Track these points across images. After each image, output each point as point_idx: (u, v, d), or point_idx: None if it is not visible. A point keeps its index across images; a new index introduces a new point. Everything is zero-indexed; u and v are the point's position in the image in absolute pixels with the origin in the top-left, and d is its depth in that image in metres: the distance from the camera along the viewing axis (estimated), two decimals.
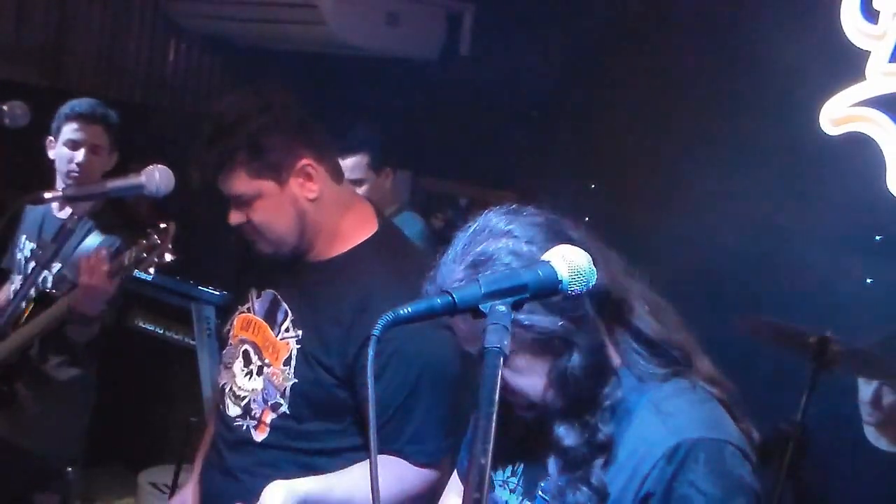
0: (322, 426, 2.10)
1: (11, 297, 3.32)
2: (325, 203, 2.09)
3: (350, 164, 4.06)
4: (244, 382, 2.17)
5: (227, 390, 2.22)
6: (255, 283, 2.24)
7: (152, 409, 4.81)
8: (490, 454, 1.19)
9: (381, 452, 2.03)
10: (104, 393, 4.33)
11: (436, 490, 2.06)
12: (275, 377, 2.11)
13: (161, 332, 4.64)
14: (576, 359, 1.52)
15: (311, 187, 2.06)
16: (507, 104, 4.22)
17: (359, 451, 2.10)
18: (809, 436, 2.78)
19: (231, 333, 2.26)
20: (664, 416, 1.52)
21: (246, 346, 2.19)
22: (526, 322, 1.48)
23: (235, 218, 2.08)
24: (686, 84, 3.67)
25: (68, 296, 2.97)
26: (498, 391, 1.22)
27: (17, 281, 3.39)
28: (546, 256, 1.37)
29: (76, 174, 3.27)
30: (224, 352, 2.27)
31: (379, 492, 1.26)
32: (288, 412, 2.10)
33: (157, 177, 1.99)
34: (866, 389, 2.86)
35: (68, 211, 3.25)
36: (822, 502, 2.94)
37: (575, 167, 4.03)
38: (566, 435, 1.55)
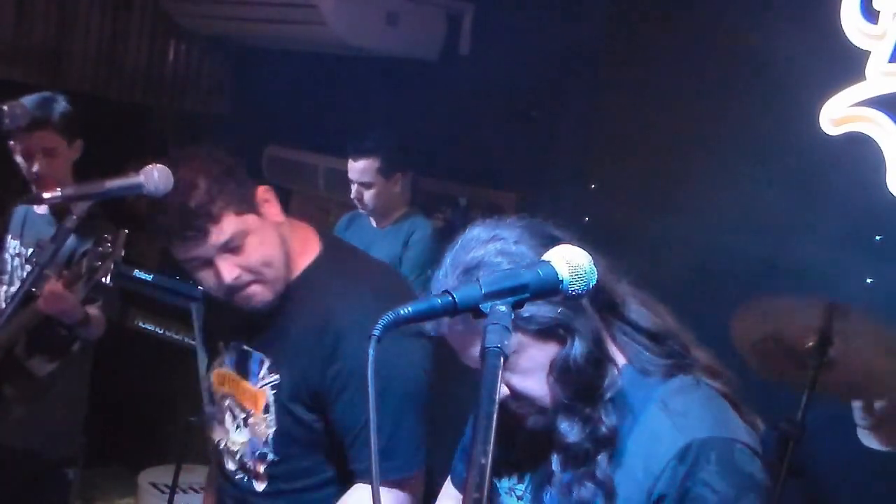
0: (314, 461, 2.09)
1: (5, 298, 3.33)
2: (284, 225, 2.08)
3: (360, 166, 4.06)
4: (236, 437, 2.17)
5: (221, 447, 2.21)
6: (222, 337, 2.22)
7: (152, 409, 4.82)
8: (490, 454, 1.19)
9: (352, 478, 2.03)
10: (105, 393, 4.33)
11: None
12: (257, 426, 2.10)
13: (161, 332, 4.65)
14: (577, 346, 1.53)
15: (276, 210, 2.05)
16: (507, 104, 4.22)
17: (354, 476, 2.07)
18: (809, 435, 2.78)
19: (213, 390, 2.26)
20: (674, 415, 1.53)
21: (228, 401, 2.19)
22: (526, 314, 1.49)
23: (230, 272, 1.98)
24: (686, 84, 3.66)
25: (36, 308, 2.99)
26: (498, 392, 1.22)
27: (6, 281, 3.40)
28: (546, 256, 1.37)
29: (39, 181, 3.25)
30: (213, 409, 2.26)
31: (379, 494, 1.26)
32: (276, 459, 2.09)
33: (155, 176, 1.98)
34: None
35: (47, 208, 3.24)
36: (822, 502, 2.94)
37: (575, 167, 4.03)
38: (569, 431, 1.55)
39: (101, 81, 5.08)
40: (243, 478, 2.16)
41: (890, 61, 2.83)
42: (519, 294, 1.32)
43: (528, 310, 1.46)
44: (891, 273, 3.06)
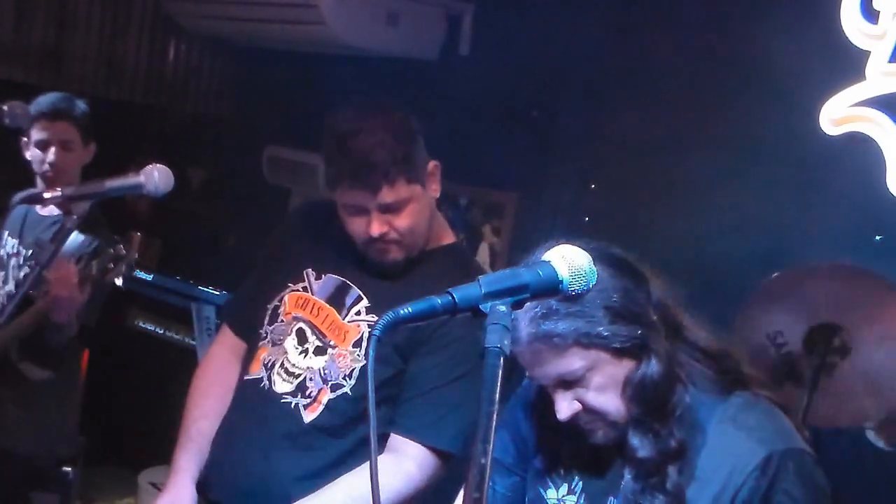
0: (381, 410, 2.11)
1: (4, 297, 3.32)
2: (434, 201, 2.24)
3: None
4: (298, 360, 2.19)
5: (276, 366, 2.22)
6: (313, 265, 2.27)
7: (152, 409, 4.81)
8: (490, 454, 1.19)
9: (393, 432, 2.09)
10: (105, 393, 4.32)
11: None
12: (341, 358, 2.14)
13: (161, 332, 4.65)
14: (654, 364, 1.59)
15: (436, 187, 2.21)
16: (507, 104, 4.21)
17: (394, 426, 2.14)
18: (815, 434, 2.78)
19: (281, 310, 2.26)
20: (748, 429, 1.60)
21: (301, 325, 2.22)
22: (607, 333, 1.55)
23: (380, 227, 2.13)
24: (686, 84, 3.66)
25: (44, 301, 2.98)
26: (498, 392, 1.22)
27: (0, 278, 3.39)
28: (546, 256, 1.37)
29: (50, 174, 3.26)
30: (271, 328, 2.27)
31: (379, 487, 1.26)
32: (350, 393, 2.12)
33: (156, 176, 1.99)
34: None
35: (51, 208, 3.24)
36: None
37: (575, 167, 4.03)
38: (640, 446, 1.61)
39: (101, 81, 5.08)
40: (292, 402, 2.16)
41: (890, 61, 2.82)
42: (519, 294, 1.32)
43: (608, 329, 1.55)
44: (891, 273, 3.06)
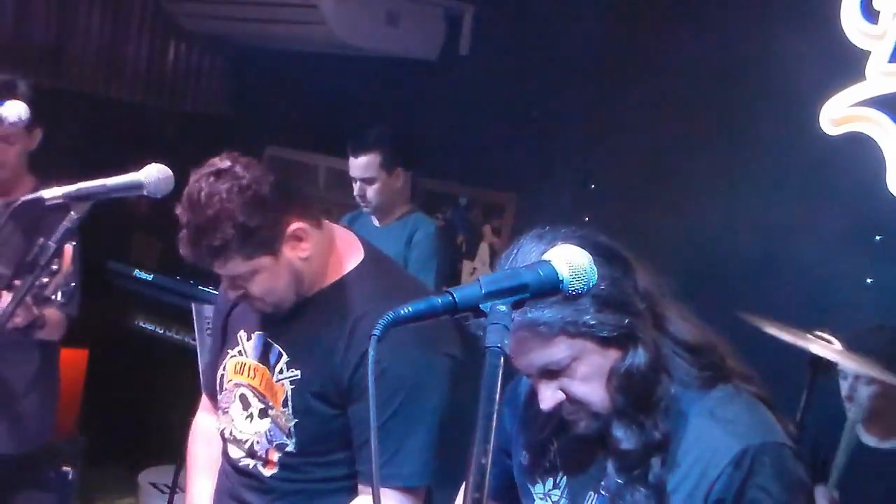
0: (329, 458, 2.11)
1: None
2: (315, 254, 2.08)
3: (362, 162, 4.07)
4: (244, 426, 2.18)
5: (226, 435, 2.23)
6: (244, 326, 2.23)
7: (152, 409, 4.81)
8: (490, 454, 1.19)
9: (360, 482, 2.06)
10: (105, 393, 4.32)
11: None
12: (279, 419, 2.12)
13: (161, 332, 4.65)
14: (641, 354, 1.57)
15: (303, 247, 2.05)
16: (507, 104, 4.22)
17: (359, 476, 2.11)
18: (810, 436, 2.78)
19: (225, 378, 2.25)
20: (724, 423, 1.58)
21: (242, 391, 2.20)
22: (593, 321, 1.53)
23: (233, 293, 2.08)
24: (686, 84, 3.67)
25: None
26: (498, 392, 1.22)
27: None
28: (546, 256, 1.37)
29: None
30: (221, 395, 2.27)
31: (380, 496, 1.26)
32: (294, 451, 2.11)
33: (155, 177, 1.99)
34: (843, 385, 2.84)
35: None
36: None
37: (575, 167, 4.04)
38: (624, 438, 1.59)
39: (101, 81, 5.08)
40: (249, 464, 2.18)
41: (890, 61, 2.83)
42: (519, 294, 1.32)
43: (596, 317, 1.53)
44: (891, 273, 3.06)
